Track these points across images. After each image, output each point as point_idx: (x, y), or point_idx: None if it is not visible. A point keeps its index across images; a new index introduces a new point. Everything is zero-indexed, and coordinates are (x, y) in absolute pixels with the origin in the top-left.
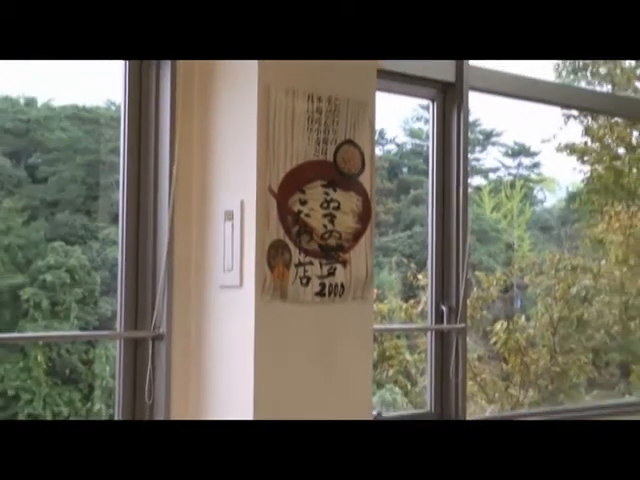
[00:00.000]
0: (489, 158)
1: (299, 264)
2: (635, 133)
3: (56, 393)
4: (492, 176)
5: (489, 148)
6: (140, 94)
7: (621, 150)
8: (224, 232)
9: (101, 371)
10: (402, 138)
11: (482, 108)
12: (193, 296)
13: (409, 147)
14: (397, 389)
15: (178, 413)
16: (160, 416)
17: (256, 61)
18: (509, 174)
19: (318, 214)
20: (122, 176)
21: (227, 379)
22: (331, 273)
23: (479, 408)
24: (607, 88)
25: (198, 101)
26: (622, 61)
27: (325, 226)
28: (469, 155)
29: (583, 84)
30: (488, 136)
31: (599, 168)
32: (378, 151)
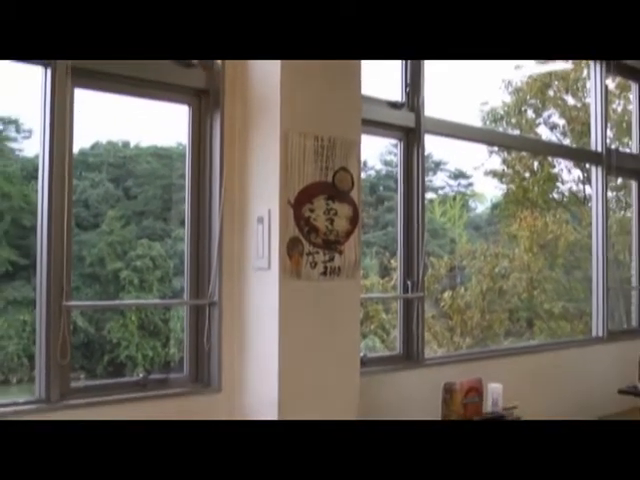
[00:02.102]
0: (438, 180)
1: (309, 253)
2: (536, 163)
3: (144, 342)
4: (440, 192)
5: (438, 173)
6: (200, 136)
7: (527, 174)
8: (257, 231)
9: (174, 327)
10: (379, 166)
11: (434, 145)
12: (236, 275)
13: (384, 172)
14: (377, 338)
15: (226, 357)
16: (215, 358)
17: (279, 112)
18: (452, 191)
19: (322, 218)
20: (187, 194)
21: (260, 333)
22: (331, 259)
23: (433, 351)
24: (516, 132)
25: (239, 140)
26: (526, 113)
27: (327, 227)
28: (425, 178)
29: (501, 129)
30: (438, 165)
31: (512, 187)
32: (363, 175)
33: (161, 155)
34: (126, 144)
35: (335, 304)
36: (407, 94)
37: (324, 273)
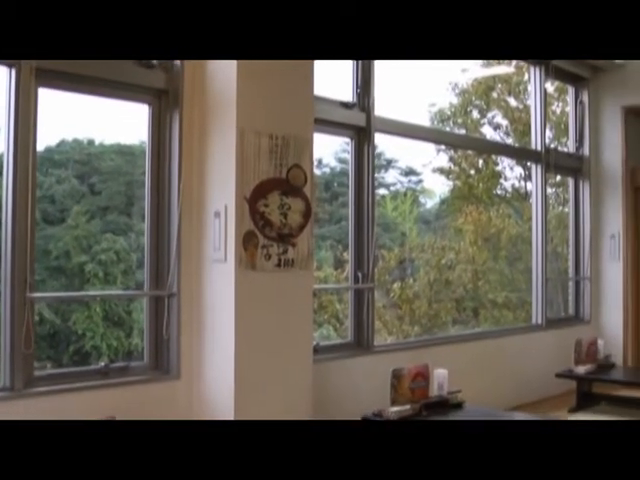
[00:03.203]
0: (390, 177)
1: (264, 246)
2: (480, 160)
3: (109, 332)
4: (392, 189)
5: (390, 170)
6: (159, 134)
7: (472, 171)
8: (214, 225)
9: (138, 318)
10: (334, 163)
11: (386, 144)
12: (194, 267)
13: (338, 170)
14: (330, 327)
15: (185, 345)
16: (174, 346)
17: (235, 111)
18: (403, 187)
19: (276, 213)
20: (147, 190)
21: (217, 323)
22: (285, 252)
23: (383, 339)
24: (463, 131)
25: (197, 138)
26: (471, 114)
27: (281, 221)
28: (376, 175)
29: (448, 129)
30: (389, 162)
31: (459, 183)
32: (318, 172)
33: (124, 152)
34: (91, 142)
35: (289, 294)
36: (358, 95)
37: (278, 265)
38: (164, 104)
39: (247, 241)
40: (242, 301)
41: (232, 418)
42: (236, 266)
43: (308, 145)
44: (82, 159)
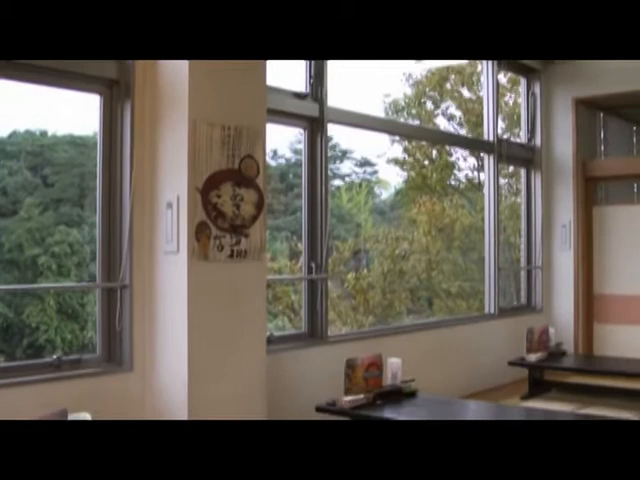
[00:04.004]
0: (345, 168)
1: (216, 237)
2: (434, 151)
3: (63, 325)
4: (347, 179)
5: (345, 161)
6: (111, 125)
7: (426, 162)
8: (166, 216)
9: (92, 310)
10: (289, 154)
11: (341, 135)
12: (146, 259)
13: (293, 160)
14: (285, 318)
15: (138, 337)
16: (126, 339)
17: (187, 102)
18: (358, 178)
19: (229, 204)
20: (99, 181)
21: (170, 314)
22: (238, 243)
23: (338, 329)
24: (416, 122)
25: (149, 129)
26: (425, 105)
27: (233, 212)
28: (332, 166)
29: (402, 119)
30: (345, 153)
31: (413, 174)
32: (273, 163)
33: (77, 144)
34: (43, 133)
35: (242, 285)
36: (311, 85)
37: (231, 256)
38: (115, 94)
39: (199, 232)
40: (195, 292)
41: (185, 409)
42: (188, 257)
43: (261, 136)
44: (34, 150)
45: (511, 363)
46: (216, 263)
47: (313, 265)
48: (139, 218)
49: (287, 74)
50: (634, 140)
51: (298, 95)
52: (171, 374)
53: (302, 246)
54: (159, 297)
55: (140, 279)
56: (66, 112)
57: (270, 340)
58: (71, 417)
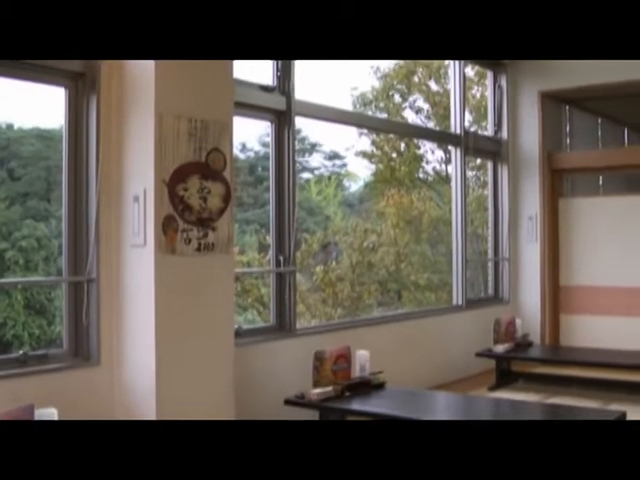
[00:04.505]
0: (314, 161)
1: (183, 230)
2: (402, 144)
3: (31, 320)
4: (317, 172)
5: (314, 154)
6: (77, 118)
7: (394, 155)
8: (133, 209)
9: (60, 305)
10: (258, 147)
11: (310, 128)
12: (113, 252)
13: (262, 153)
14: (255, 311)
15: (105, 331)
16: (93, 333)
17: (153, 95)
18: (327, 171)
19: (196, 197)
20: (65, 175)
21: (137, 308)
22: (205, 236)
23: (307, 322)
24: (384, 115)
25: (115, 122)
26: (393, 98)
27: (200, 205)
28: (301, 159)
29: (370, 113)
30: (314, 146)
31: (381, 166)
32: (242, 156)
33: (44, 137)
34: (10, 126)
35: (209, 279)
36: (278, 78)
37: (198, 249)
38: (81, 87)
39: (166, 225)
40: (162, 285)
41: (154, 403)
42: (155, 250)
43: (228, 129)
44: (1, 144)
45: (479, 354)
46: (183, 256)
47: (281, 258)
48: (106, 211)
49: (254, 67)
50: (599, 133)
51: (265, 88)
52: (139, 368)
53: (270, 239)
54: (126, 291)
55: (107, 273)
56: (33, 105)
57: (238, 333)
58: (38, 412)
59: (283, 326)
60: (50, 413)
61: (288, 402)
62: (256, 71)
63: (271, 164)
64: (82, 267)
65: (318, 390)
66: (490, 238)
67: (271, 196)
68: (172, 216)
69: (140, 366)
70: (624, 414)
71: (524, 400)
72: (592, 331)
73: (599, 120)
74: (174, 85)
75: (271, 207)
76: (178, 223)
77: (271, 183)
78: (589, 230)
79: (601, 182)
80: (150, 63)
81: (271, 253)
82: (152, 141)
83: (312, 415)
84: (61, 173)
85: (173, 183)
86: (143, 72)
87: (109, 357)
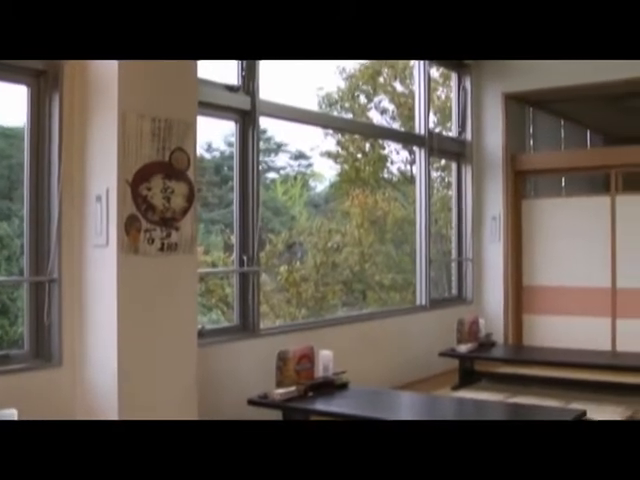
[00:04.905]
0: (280, 161)
1: (146, 230)
2: (367, 144)
3: None
4: (282, 172)
5: (280, 154)
6: (39, 117)
7: (359, 155)
8: (95, 209)
9: (22, 305)
10: (223, 147)
11: (276, 128)
12: (75, 252)
13: (228, 153)
14: (219, 312)
15: (67, 331)
16: (55, 333)
17: (117, 94)
18: (293, 171)
19: (159, 197)
20: (26, 173)
21: (99, 308)
22: (168, 235)
23: (271, 322)
24: (350, 116)
25: (78, 121)
26: (358, 98)
27: (164, 205)
28: (267, 159)
29: (335, 113)
30: (279, 146)
31: (346, 167)
32: (207, 156)
33: (7, 135)
34: None
35: (173, 279)
36: (243, 78)
37: (161, 249)
38: (43, 86)
39: (129, 225)
40: (124, 285)
41: (116, 403)
42: (118, 250)
43: (191, 128)
44: None
45: (442, 354)
46: (146, 256)
47: (245, 258)
48: (68, 211)
49: (219, 67)
50: (562, 134)
51: (230, 88)
52: (101, 368)
53: (234, 239)
54: (89, 291)
55: (69, 273)
56: None
57: (202, 333)
58: None
59: (247, 326)
60: (10, 414)
61: (251, 402)
62: (221, 71)
63: (235, 164)
64: (44, 267)
65: (281, 390)
66: (454, 238)
67: (235, 196)
68: (135, 216)
69: (102, 366)
70: (584, 413)
71: (487, 399)
72: (554, 331)
73: (562, 122)
74: (137, 84)
75: (235, 207)
76: (141, 223)
77: (235, 183)
78: (552, 231)
79: (564, 183)
80: (113, 62)
81: (235, 253)
82: (115, 140)
83: (275, 415)
84: (23, 172)
85: (136, 183)
86: (106, 71)
87: (71, 358)
